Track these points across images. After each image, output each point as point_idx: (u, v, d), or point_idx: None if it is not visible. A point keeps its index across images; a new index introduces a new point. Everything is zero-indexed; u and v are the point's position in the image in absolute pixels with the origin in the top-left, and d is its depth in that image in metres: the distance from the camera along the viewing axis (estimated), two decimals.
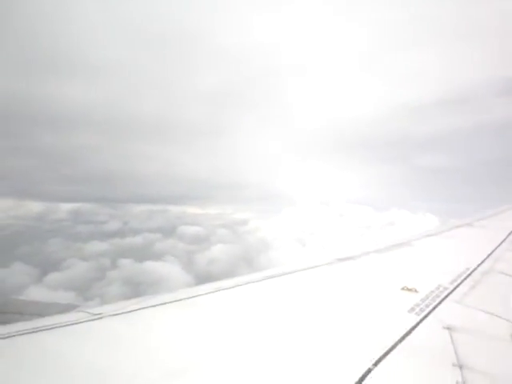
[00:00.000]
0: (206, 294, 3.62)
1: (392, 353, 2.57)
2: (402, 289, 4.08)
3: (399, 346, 2.67)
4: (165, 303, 3.27)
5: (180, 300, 3.39)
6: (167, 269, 65.89)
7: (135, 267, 67.08)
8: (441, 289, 4.19)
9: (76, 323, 2.75)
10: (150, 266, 67.25)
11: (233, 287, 3.88)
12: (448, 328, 3.07)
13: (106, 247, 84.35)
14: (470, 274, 4.98)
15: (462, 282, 4.60)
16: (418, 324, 3.12)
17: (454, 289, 4.26)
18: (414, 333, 2.94)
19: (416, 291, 4.02)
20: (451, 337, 2.91)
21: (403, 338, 2.81)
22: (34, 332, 2.55)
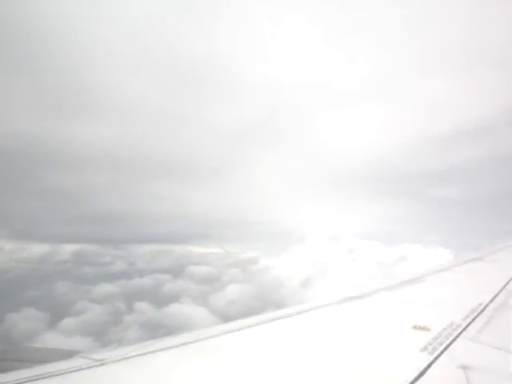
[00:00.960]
0: (212, 337, 3.54)
1: None
2: (414, 327, 3.97)
3: None
4: (169, 348, 3.18)
5: (185, 344, 3.30)
6: (187, 311, 64.62)
7: (152, 310, 66.05)
8: (453, 326, 4.07)
9: (77, 370, 2.68)
10: (169, 308, 66.11)
11: (239, 329, 3.79)
12: (463, 367, 2.95)
13: (115, 289, 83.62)
14: (482, 310, 4.86)
15: (475, 318, 4.48)
16: (431, 363, 3.00)
17: (467, 326, 4.14)
18: (427, 373, 2.82)
19: (428, 329, 3.90)
20: (466, 376, 2.79)
21: (417, 378, 2.70)
22: (34, 380, 2.48)
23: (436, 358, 3.12)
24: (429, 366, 2.96)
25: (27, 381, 2.46)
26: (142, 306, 68.20)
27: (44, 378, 2.53)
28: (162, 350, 3.13)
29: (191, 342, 3.35)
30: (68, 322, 59.71)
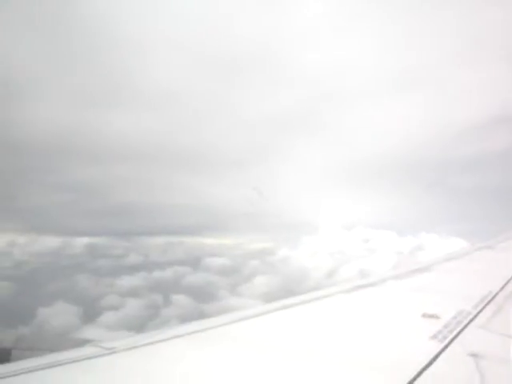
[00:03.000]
0: (222, 325, 3.55)
1: (416, 382, 2.46)
2: (423, 315, 3.96)
3: (423, 375, 2.56)
4: (179, 336, 3.20)
5: (195, 332, 3.32)
6: (223, 303, 61.88)
7: (190, 303, 64.37)
8: (463, 314, 4.05)
9: (88, 358, 2.69)
10: (205, 300, 63.93)
11: (250, 318, 3.80)
12: (473, 355, 2.94)
13: (138, 282, 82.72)
14: (492, 298, 4.83)
15: (485, 306, 4.45)
16: (441, 351, 2.99)
17: (478, 314, 4.12)
18: (437, 361, 2.81)
19: (438, 317, 3.89)
20: (477, 364, 2.78)
21: (427, 366, 2.69)
22: (45, 368, 2.50)
23: (446, 346, 3.11)
24: (439, 353, 2.94)
25: (39, 369, 2.48)
26: (178, 298, 67.26)
27: (55, 366, 2.54)
28: (172, 338, 3.14)
29: (201, 331, 3.36)
30: (108, 316, 57.76)
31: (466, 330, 3.57)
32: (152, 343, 3.00)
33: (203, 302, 62.95)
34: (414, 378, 2.50)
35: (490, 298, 4.84)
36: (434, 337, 3.33)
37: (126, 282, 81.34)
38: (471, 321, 3.86)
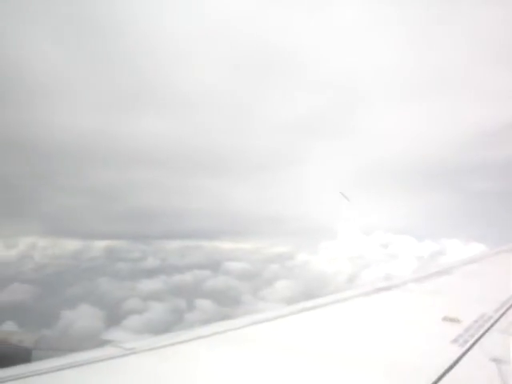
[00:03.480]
0: (242, 327, 3.55)
1: None
2: (444, 319, 3.91)
3: (444, 379, 2.53)
4: (199, 338, 3.21)
5: (215, 334, 3.32)
6: (247, 307, 61.61)
7: (213, 307, 63.69)
8: (485, 318, 3.99)
9: (109, 359, 2.72)
10: (228, 304, 63.46)
11: (269, 320, 3.79)
12: (495, 360, 2.89)
13: (159, 286, 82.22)
14: None
15: (507, 310, 4.39)
16: (462, 355, 2.96)
17: (499, 318, 4.06)
18: (459, 364, 2.78)
19: (459, 321, 3.84)
20: (499, 369, 2.74)
21: (448, 370, 2.66)
22: (67, 368, 2.53)
23: (467, 350, 3.07)
24: (460, 357, 2.91)
25: (60, 369, 2.51)
26: (202, 303, 66.64)
27: (76, 366, 2.57)
28: (191, 339, 3.15)
29: (221, 332, 3.37)
30: (131, 319, 57.35)
31: (488, 335, 3.52)
32: (172, 344, 3.02)
33: (226, 307, 62.44)
34: (435, 382, 2.47)
35: (511, 302, 4.77)
36: (455, 341, 3.29)
37: (147, 285, 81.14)
38: (492, 325, 3.80)
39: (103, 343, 3.43)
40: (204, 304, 65.78)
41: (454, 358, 2.89)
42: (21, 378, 2.35)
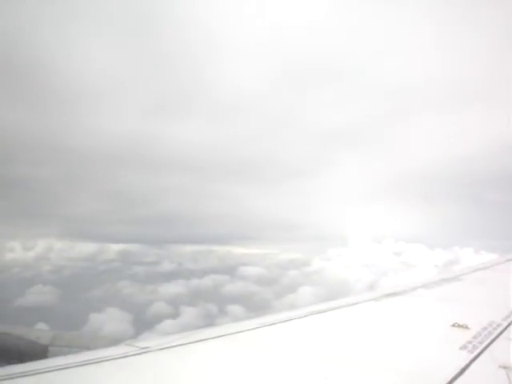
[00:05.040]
0: (253, 329, 3.60)
1: None
2: (453, 325, 3.94)
3: None
4: (211, 338, 3.26)
5: (227, 335, 3.38)
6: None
7: (244, 313, 63.01)
8: (494, 325, 4.01)
9: (123, 357, 2.77)
10: (259, 309, 62.73)
11: (279, 323, 3.84)
12: (504, 367, 2.92)
13: (180, 289, 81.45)
14: None
15: None
16: (471, 362, 2.98)
17: (508, 325, 4.07)
18: (467, 371, 2.80)
19: (467, 328, 3.86)
20: (508, 377, 2.77)
21: (457, 376, 2.69)
22: (81, 365, 2.59)
23: (476, 357, 3.10)
24: (469, 364, 2.94)
25: (76, 366, 2.57)
26: (232, 308, 65.92)
27: (91, 363, 2.63)
28: (204, 340, 3.20)
29: (233, 334, 3.43)
30: (167, 324, 56.49)
31: (497, 342, 3.54)
32: (186, 344, 3.07)
33: (255, 312, 61.58)
34: None
35: None
36: (464, 347, 3.32)
37: (169, 289, 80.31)
38: (501, 332, 3.82)
39: (117, 342, 3.49)
40: (234, 309, 65.03)
41: (463, 364, 2.91)
42: (37, 373, 2.42)
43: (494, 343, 3.49)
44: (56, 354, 3.31)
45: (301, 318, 4.08)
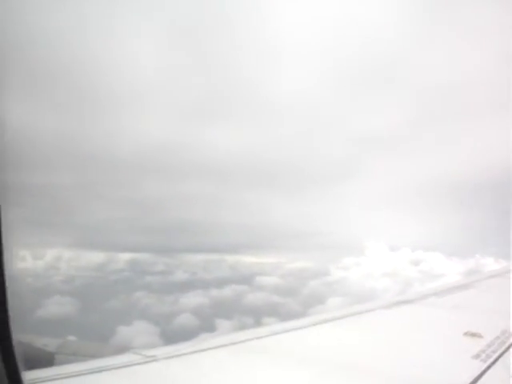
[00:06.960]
0: (262, 337, 3.56)
1: None
2: (465, 334, 3.86)
3: None
4: (220, 346, 3.22)
5: (236, 343, 3.34)
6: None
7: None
8: (507, 334, 3.93)
9: (129, 365, 2.75)
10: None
11: (290, 331, 3.80)
12: None
13: (201, 300, 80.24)
14: None
15: None
16: (484, 371, 2.92)
17: None
18: (480, 381, 2.74)
19: (480, 336, 3.79)
20: None
21: None
22: (87, 374, 2.57)
23: (489, 367, 3.03)
24: (482, 374, 2.87)
25: (82, 374, 2.55)
26: (270, 321, 64.55)
27: (97, 371, 2.61)
28: (213, 348, 3.17)
29: (242, 342, 3.39)
30: (204, 337, 55.84)
31: (510, 351, 3.47)
32: (193, 352, 3.04)
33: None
34: None
35: None
36: (477, 356, 3.25)
37: (190, 299, 79.38)
38: None
39: (124, 350, 3.47)
40: (270, 322, 64.23)
41: (476, 374, 2.85)
42: (44, 381, 2.40)
43: (508, 352, 3.42)
44: (62, 362, 3.29)
45: (313, 325, 4.04)
